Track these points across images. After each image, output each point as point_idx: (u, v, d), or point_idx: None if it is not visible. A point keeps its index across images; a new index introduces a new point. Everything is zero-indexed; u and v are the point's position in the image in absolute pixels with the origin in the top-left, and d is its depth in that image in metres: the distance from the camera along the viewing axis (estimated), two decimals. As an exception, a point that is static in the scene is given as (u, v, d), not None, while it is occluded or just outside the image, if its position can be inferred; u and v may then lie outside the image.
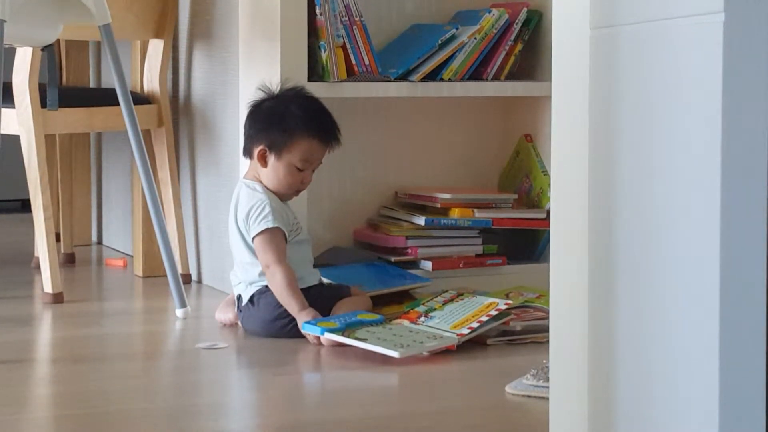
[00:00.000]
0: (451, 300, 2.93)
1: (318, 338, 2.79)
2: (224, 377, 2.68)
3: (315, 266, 3.05)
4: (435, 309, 2.89)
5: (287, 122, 2.95)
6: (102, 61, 4.32)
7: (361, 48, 3.24)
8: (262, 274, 2.92)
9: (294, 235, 2.96)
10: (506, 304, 2.86)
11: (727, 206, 1.57)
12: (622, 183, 1.77)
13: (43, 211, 3.36)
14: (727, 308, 1.57)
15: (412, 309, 2.93)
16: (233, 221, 2.97)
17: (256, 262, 2.92)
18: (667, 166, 1.66)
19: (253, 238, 2.91)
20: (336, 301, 2.94)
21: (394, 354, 2.62)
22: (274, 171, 2.96)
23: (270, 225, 2.90)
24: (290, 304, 2.86)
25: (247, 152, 3.01)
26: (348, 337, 2.72)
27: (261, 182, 2.97)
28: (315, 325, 2.79)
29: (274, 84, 3.05)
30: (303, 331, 2.82)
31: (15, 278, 3.77)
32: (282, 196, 2.98)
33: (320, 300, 2.91)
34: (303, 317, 2.83)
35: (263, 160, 2.96)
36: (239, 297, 2.97)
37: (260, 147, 2.96)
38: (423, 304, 2.94)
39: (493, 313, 2.82)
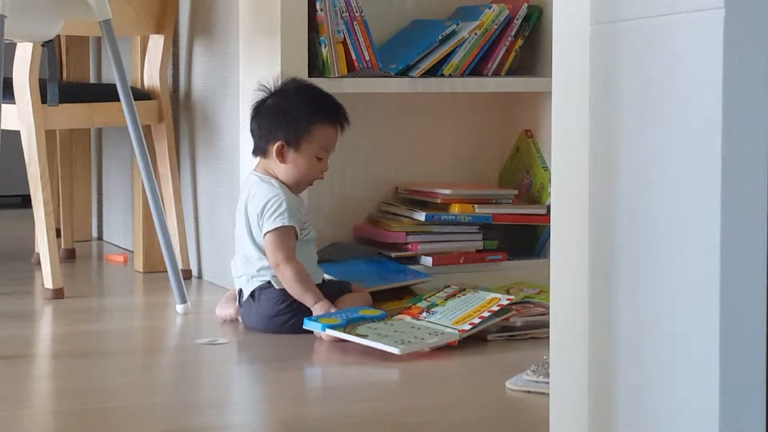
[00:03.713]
0: (453, 295, 2.93)
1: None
2: (225, 373, 2.68)
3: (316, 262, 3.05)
4: (437, 304, 2.89)
5: (298, 114, 2.95)
6: (102, 56, 4.32)
7: (362, 43, 3.24)
8: (262, 269, 2.92)
9: (305, 233, 2.96)
10: (508, 299, 2.86)
11: (727, 201, 1.57)
12: (622, 178, 1.77)
13: (43, 207, 3.36)
14: (727, 307, 1.57)
15: (414, 304, 2.93)
16: (243, 213, 2.96)
17: (259, 256, 2.92)
18: (668, 162, 1.66)
19: (264, 234, 2.91)
20: (337, 297, 2.94)
21: (395, 351, 2.62)
22: (294, 164, 2.96)
23: (285, 223, 2.90)
24: (305, 298, 2.86)
25: (261, 151, 2.99)
26: (349, 333, 2.72)
27: (276, 177, 2.97)
28: (316, 321, 2.79)
29: (271, 81, 3.04)
30: (305, 326, 2.83)
31: (15, 274, 3.77)
32: (297, 188, 2.98)
33: (321, 296, 2.92)
34: (318, 310, 2.83)
35: (281, 156, 2.96)
36: (240, 291, 2.97)
37: (278, 143, 2.95)
38: (425, 299, 2.94)
39: (495, 308, 2.82)
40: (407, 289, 3.17)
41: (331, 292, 2.95)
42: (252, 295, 2.92)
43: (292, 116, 2.95)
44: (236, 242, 3.00)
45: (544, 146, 3.44)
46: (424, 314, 2.85)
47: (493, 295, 2.88)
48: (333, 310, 2.84)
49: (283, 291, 2.89)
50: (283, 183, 2.96)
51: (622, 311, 1.77)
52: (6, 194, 5.35)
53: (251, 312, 2.93)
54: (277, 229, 2.89)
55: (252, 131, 3.02)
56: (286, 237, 2.90)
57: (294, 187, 2.97)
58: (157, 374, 2.67)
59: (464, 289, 2.96)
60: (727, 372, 1.57)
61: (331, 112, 2.99)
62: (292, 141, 2.95)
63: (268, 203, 2.92)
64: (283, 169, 2.97)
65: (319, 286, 2.95)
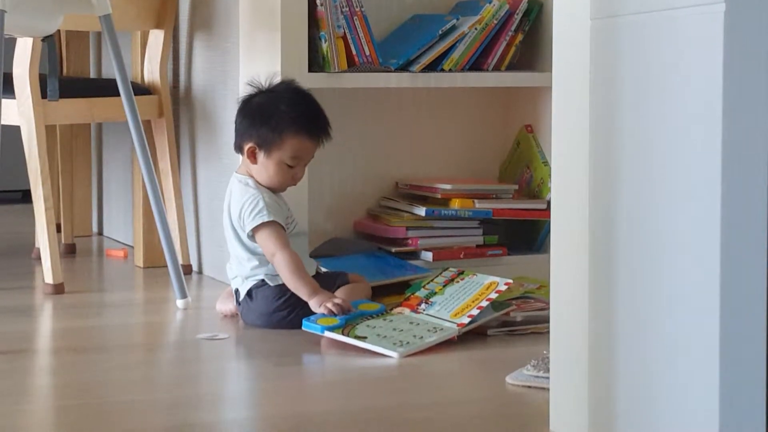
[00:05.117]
0: (452, 280, 2.93)
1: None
2: (225, 368, 2.68)
3: (316, 257, 3.04)
4: (435, 293, 2.89)
5: (276, 120, 2.93)
6: (102, 51, 4.32)
7: (362, 38, 3.24)
8: (254, 268, 2.92)
9: (290, 229, 2.95)
10: (506, 283, 2.85)
11: (727, 195, 1.57)
12: (622, 173, 1.77)
13: (43, 202, 3.36)
14: (727, 307, 1.57)
15: (413, 293, 2.92)
16: (227, 216, 2.97)
17: (249, 256, 2.92)
18: (668, 157, 1.66)
19: (251, 235, 2.90)
20: (334, 288, 2.93)
21: (393, 354, 2.62)
22: (264, 168, 2.95)
23: (266, 219, 2.89)
24: (300, 289, 2.85)
25: (238, 148, 3.00)
26: (348, 335, 2.71)
27: (253, 177, 2.97)
28: (315, 323, 2.78)
29: (264, 78, 3.03)
30: (304, 328, 2.82)
31: (16, 269, 3.77)
32: (274, 189, 2.98)
33: (318, 288, 2.91)
34: (314, 304, 2.82)
35: (253, 157, 2.95)
36: (237, 291, 2.96)
37: (250, 144, 2.95)
38: (424, 287, 2.93)
39: (494, 295, 2.81)
40: (407, 284, 3.17)
41: (328, 283, 2.94)
42: (249, 294, 2.92)
43: (271, 120, 2.93)
44: (227, 244, 3.00)
45: (545, 141, 3.44)
46: (423, 305, 2.85)
47: (491, 279, 2.88)
48: (330, 302, 2.81)
49: (279, 287, 2.89)
50: (259, 183, 2.96)
51: (622, 304, 1.77)
52: (6, 189, 5.35)
53: (249, 310, 2.92)
54: (260, 225, 2.89)
55: (234, 126, 3.02)
56: (273, 229, 2.89)
57: (269, 188, 2.96)
58: (158, 369, 2.67)
59: (462, 272, 2.95)
60: (727, 372, 1.57)
61: (311, 124, 2.96)
62: (264, 145, 2.94)
63: (245, 204, 2.91)
64: (255, 170, 2.96)
65: (314, 277, 2.94)
